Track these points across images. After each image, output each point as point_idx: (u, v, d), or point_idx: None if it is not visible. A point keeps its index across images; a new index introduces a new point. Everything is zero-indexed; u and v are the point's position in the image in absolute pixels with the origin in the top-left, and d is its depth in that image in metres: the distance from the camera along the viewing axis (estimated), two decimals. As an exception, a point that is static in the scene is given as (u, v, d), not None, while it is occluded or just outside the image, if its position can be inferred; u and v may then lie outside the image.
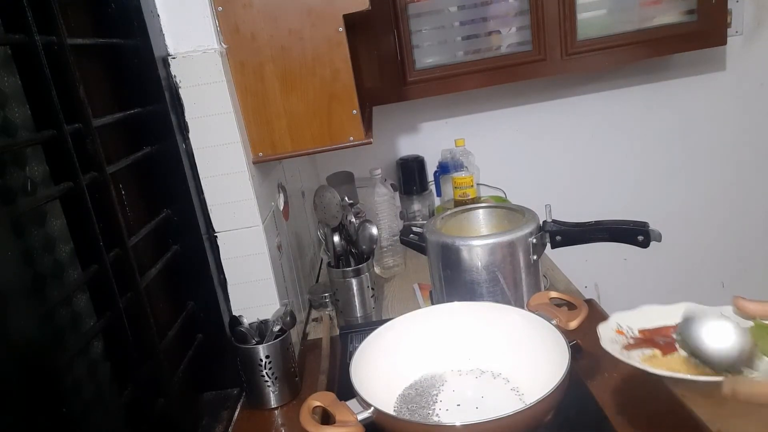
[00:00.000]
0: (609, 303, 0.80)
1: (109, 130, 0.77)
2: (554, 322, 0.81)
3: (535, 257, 1.00)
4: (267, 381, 0.92)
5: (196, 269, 0.93)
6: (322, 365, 1.00)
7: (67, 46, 0.65)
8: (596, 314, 0.77)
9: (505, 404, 0.77)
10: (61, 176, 0.65)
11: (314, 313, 1.30)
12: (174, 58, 0.89)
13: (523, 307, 0.88)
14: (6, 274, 0.49)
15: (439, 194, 1.91)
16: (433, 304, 1.06)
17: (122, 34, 0.83)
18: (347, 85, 0.99)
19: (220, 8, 0.93)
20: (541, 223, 1.02)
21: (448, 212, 1.13)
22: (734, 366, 0.63)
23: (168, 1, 0.89)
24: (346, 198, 1.16)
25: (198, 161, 0.93)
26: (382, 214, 1.45)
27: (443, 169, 1.84)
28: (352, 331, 1.08)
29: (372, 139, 1.04)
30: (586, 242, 0.99)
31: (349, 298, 1.15)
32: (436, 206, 1.89)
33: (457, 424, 0.64)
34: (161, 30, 0.89)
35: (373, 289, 1.18)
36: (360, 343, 0.84)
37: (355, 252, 1.17)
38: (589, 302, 1.03)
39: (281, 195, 1.21)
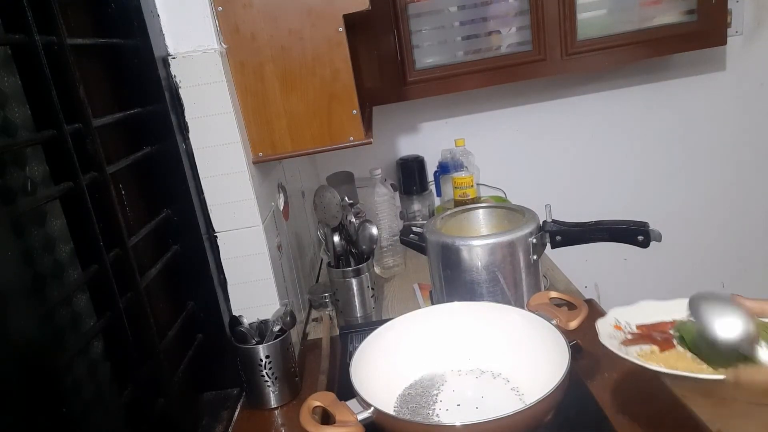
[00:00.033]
0: (609, 303, 0.80)
1: (109, 130, 0.77)
2: (554, 322, 0.81)
3: (535, 257, 1.00)
4: (267, 381, 0.92)
5: (196, 269, 0.93)
6: (322, 365, 1.00)
7: (67, 46, 0.65)
8: (596, 314, 0.77)
9: (505, 404, 0.77)
10: (61, 176, 0.65)
11: (314, 313, 1.30)
12: (174, 58, 0.89)
13: (523, 307, 0.88)
14: (6, 274, 0.49)
15: (439, 194, 1.91)
16: (433, 304, 1.06)
17: (122, 34, 0.83)
18: (347, 85, 0.99)
19: (220, 8, 0.93)
20: (541, 223, 1.02)
21: (448, 212, 1.13)
22: (738, 348, 0.62)
23: (168, 1, 0.89)
24: (346, 198, 1.16)
25: (198, 161, 0.93)
26: (382, 214, 1.45)
27: (443, 169, 1.84)
28: (352, 331, 1.08)
29: (372, 139, 1.04)
30: (586, 242, 0.99)
31: (349, 298, 1.15)
32: (436, 206, 1.89)
33: (457, 424, 0.64)
34: (161, 30, 0.89)
35: (373, 289, 1.18)
36: (360, 343, 0.84)
37: (355, 252, 1.17)
38: (589, 302, 1.03)
39: (281, 195, 1.21)
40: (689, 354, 0.69)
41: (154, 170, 0.88)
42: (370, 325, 1.03)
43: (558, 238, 1.00)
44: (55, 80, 0.62)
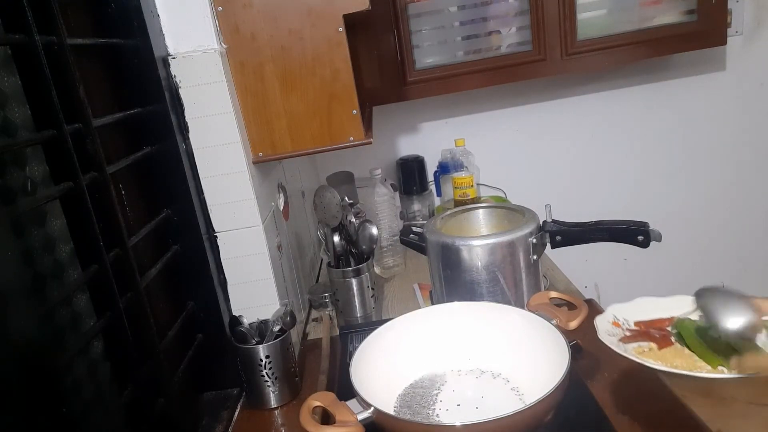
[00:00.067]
0: (609, 303, 0.80)
1: (109, 130, 0.77)
2: (554, 322, 0.81)
3: (535, 257, 1.00)
4: (267, 381, 0.92)
5: (196, 269, 0.93)
6: (322, 365, 1.00)
7: (67, 46, 0.65)
8: (596, 314, 0.77)
9: (505, 404, 0.77)
10: (61, 176, 0.65)
11: (314, 313, 1.30)
12: (174, 58, 0.89)
13: (523, 307, 0.88)
14: (6, 274, 0.49)
15: (439, 194, 1.91)
16: (433, 304, 1.06)
17: (122, 34, 0.83)
18: (347, 85, 0.99)
19: (220, 8, 0.93)
20: (541, 223, 1.02)
21: (448, 212, 1.13)
22: (743, 335, 0.65)
23: (168, 1, 0.89)
24: (346, 198, 1.16)
25: (198, 161, 0.93)
26: (382, 214, 1.45)
27: (443, 169, 1.84)
28: (352, 331, 1.08)
29: (372, 139, 1.04)
30: (586, 242, 0.99)
31: (349, 298, 1.15)
32: (436, 206, 1.89)
33: (457, 424, 0.64)
34: (161, 30, 0.89)
35: (373, 289, 1.18)
36: (360, 343, 0.84)
37: (355, 252, 1.17)
38: (589, 302, 1.03)
39: (281, 195, 1.21)
40: (687, 350, 0.70)
41: (154, 170, 0.88)
42: (370, 325, 1.03)
43: (558, 238, 1.00)
44: (55, 80, 0.62)
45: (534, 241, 0.98)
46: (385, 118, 1.92)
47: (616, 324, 0.76)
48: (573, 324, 0.81)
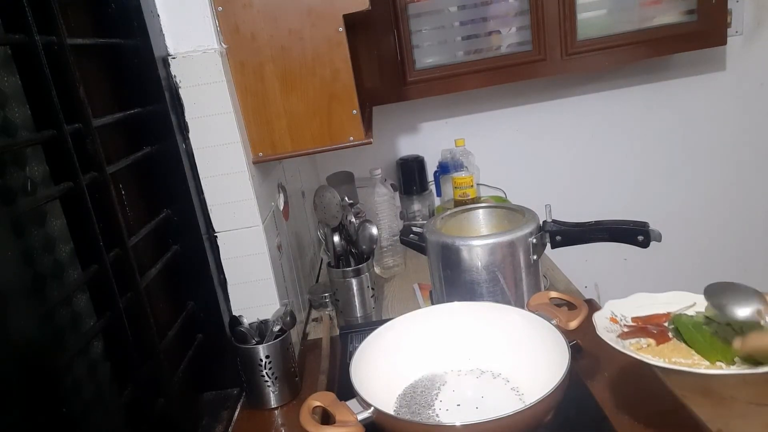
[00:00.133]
0: (609, 303, 0.81)
1: (109, 130, 0.77)
2: (554, 322, 0.81)
3: (535, 257, 1.00)
4: (267, 381, 0.92)
5: (196, 269, 0.93)
6: (322, 365, 1.00)
7: (67, 46, 0.65)
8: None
9: (505, 404, 0.77)
10: (61, 176, 0.65)
11: (314, 313, 1.30)
12: (174, 58, 0.89)
13: (523, 307, 0.88)
14: (6, 274, 0.49)
15: (439, 194, 1.91)
16: (433, 304, 1.06)
17: (122, 34, 0.83)
18: (347, 85, 0.99)
19: (220, 8, 0.93)
20: (541, 223, 1.02)
21: (448, 212, 1.13)
22: (751, 319, 0.67)
23: (168, 1, 0.89)
24: (346, 198, 1.16)
25: (198, 161, 0.93)
26: (382, 214, 1.45)
27: (443, 169, 1.84)
28: (352, 331, 1.08)
29: (372, 139, 1.04)
30: (586, 242, 0.99)
31: (349, 298, 1.15)
32: (436, 206, 1.89)
33: (457, 424, 0.64)
34: (161, 30, 0.89)
35: (373, 289, 1.18)
36: (360, 343, 0.84)
37: (355, 252, 1.17)
38: (589, 302, 1.03)
39: (281, 195, 1.21)
40: (685, 346, 0.70)
41: (154, 170, 0.88)
42: (370, 325, 1.03)
43: (558, 238, 1.00)
44: (55, 80, 0.62)
45: (534, 241, 0.98)
46: (385, 118, 1.92)
47: (613, 320, 0.77)
48: (573, 324, 0.81)
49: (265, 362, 0.91)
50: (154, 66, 0.85)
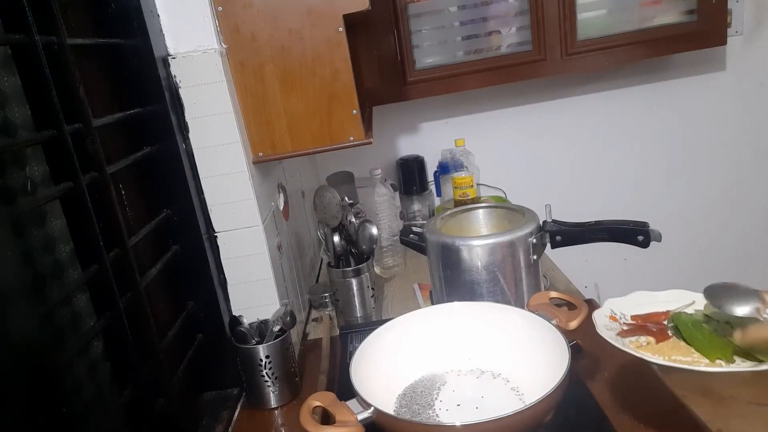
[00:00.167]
0: (609, 303, 0.81)
1: (109, 130, 0.77)
2: (554, 322, 0.81)
3: (535, 257, 1.00)
4: (267, 381, 0.92)
5: (196, 269, 0.93)
6: (322, 365, 1.00)
7: (67, 46, 0.65)
8: (596, 314, 0.77)
9: (505, 404, 0.77)
10: (61, 176, 0.65)
11: (314, 313, 1.30)
12: (174, 58, 0.89)
13: (523, 307, 0.88)
14: (6, 274, 0.49)
15: (439, 194, 1.91)
16: (433, 304, 1.06)
17: (122, 34, 0.83)
18: (347, 85, 0.99)
19: (220, 8, 0.93)
20: (541, 223, 1.02)
21: (448, 212, 1.13)
22: (748, 315, 0.68)
23: (168, 1, 0.89)
24: (346, 198, 1.16)
25: (198, 161, 0.93)
26: (382, 214, 1.45)
27: (443, 169, 1.84)
28: (352, 331, 1.08)
29: (372, 139, 1.04)
30: (586, 242, 0.99)
31: (349, 298, 1.15)
32: (436, 206, 1.89)
33: (457, 424, 0.64)
34: (161, 30, 0.89)
35: (373, 289, 1.18)
36: (360, 343, 0.84)
37: (355, 252, 1.17)
38: (589, 302, 1.03)
39: (281, 195, 1.21)
40: (684, 344, 0.71)
41: (154, 170, 0.88)
42: (370, 325, 1.03)
43: (558, 238, 1.00)
44: (55, 80, 0.62)
45: (534, 241, 0.98)
46: (385, 118, 1.92)
47: (613, 318, 0.77)
48: (573, 324, 0.81)
49: (265, 362, 0.91)
50: (154, 66, 0.85)
